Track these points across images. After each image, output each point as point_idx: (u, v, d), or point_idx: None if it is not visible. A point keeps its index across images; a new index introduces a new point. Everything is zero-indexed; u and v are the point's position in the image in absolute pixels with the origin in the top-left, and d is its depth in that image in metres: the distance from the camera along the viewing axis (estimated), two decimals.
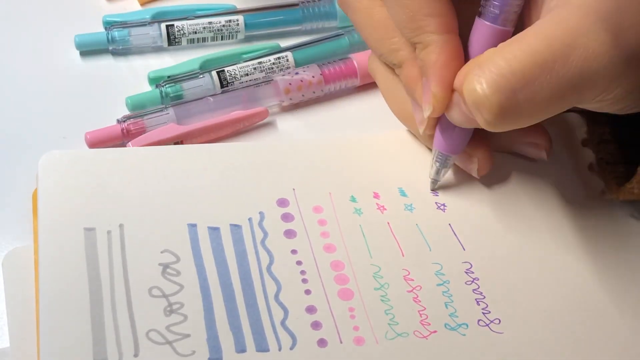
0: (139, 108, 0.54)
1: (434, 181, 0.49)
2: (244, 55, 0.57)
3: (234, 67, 0.55)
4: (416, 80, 0.46)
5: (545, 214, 0.50)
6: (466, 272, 0.47)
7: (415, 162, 0.51)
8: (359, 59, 0.56)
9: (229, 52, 0.57)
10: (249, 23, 0.58)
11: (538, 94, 0.41)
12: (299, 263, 0.46)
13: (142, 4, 0.60)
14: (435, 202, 0.50)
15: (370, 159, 0.51)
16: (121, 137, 0.52)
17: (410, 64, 0.47)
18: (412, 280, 0.46)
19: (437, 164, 0.49)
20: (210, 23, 0.57)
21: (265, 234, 0.47)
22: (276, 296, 0.45)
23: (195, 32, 0.57)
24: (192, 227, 0.47)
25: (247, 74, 0.55)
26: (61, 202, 0.47)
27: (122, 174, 0.48)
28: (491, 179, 0.51)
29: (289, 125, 0.55)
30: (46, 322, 0.43)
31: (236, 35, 0.58)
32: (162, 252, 0.46)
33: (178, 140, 0.52)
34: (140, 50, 0.58)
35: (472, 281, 0.47)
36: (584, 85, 0.41)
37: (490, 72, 0.41)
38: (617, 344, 0.45)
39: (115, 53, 0.57)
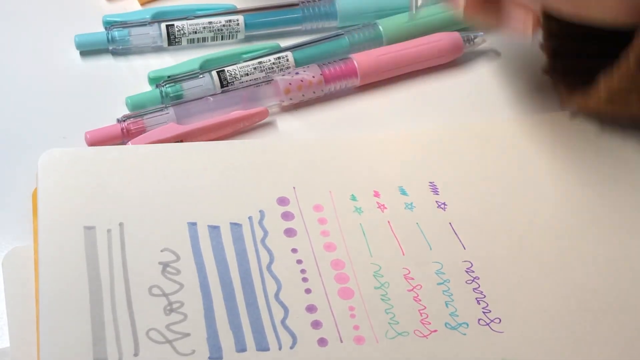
0: (139, 108, 0.54)
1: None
2: (244, 55, 0.57)
3: (234, 67, 0.55)
4: None
5: (546, 213, 0.50)
6: (466, 271, 0.47)
7: (415, 162, 0.51)
8: (359, 59, 0.56)
9: (229, 52, 0.57)
10: (249, 23, 0.58)
11: None
12: (299, 262, 0.46)
13: (142, 4, 0.60)
14: (436, 201, 0.50)
15: (371, 157, 0.51)
16: (121, 137, 0.52)
17: None
18: (413, 279, 0.46)
19: None
20: (210, 23, 0.57)
21: (266, 232, 0.47)
22: (276, 295, 0.45)
23: (196, 32, 0.57)
24: (192, 225, 0.47)
25: (247, 74, 0.55)
26: (61, 201, 0.47)
27: (122, 172, 0.48)
28: (491, 178, 0.51)
29: (289, 125, 0.55)
30: (46, 322, 0.43)
31: (236, 35, 0.58)
32: (162, 251, 0.46)
33: (178, 140, 0.52)
34: (140, 50, 0.58)
35: (473, 280, 0.47)
36: None
37: None
38: (617, 344, 0.45)
39: (115, 53, 0.57)
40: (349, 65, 0.56)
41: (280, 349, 0.44)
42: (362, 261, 0.47)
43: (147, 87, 0.56)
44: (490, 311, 0.46)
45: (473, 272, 0.47)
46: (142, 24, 0.57)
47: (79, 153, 0.50)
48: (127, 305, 0.44)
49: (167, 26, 0.57)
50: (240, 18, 0.58)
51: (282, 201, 0.49)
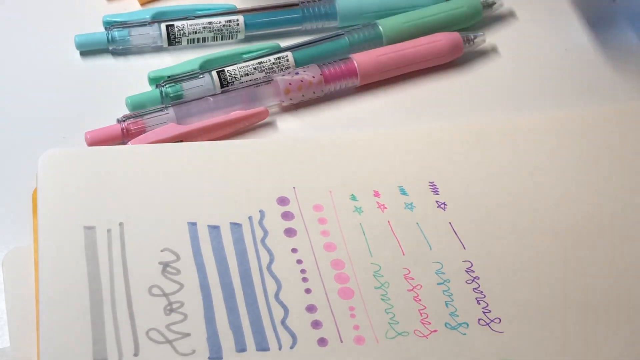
0: (139, 108, 0.54)
1: None
2: (244, 55, 0.57)
3: (234, 67, 0.55)
4: None
5: (546, 213, 0.49)
6: (466, 271, 0.47)
7: (415, 162, 0.51)
8: (359, 59, 0.56)
9: (229, 52, 0.57)
10: (249, 23, 0.58)
11: None
12: (299, 262, 0.46)
13: (142, 4, 0.60)
14: (436, 201, 0.50)
15: (371, 157, 0.51)
16: (121, 137, 0.52)
17: None
18: (413, 279, 0.46)
19: None
20: (210, 23, 0.57)
21: (266, 232, 0.47)
22: (276, 295, 0.45)
23: (195, 32, 0.57)
24: (192, 225, 0.47)
25: (247, 74, 0.55)
26: (61, 201, 0.47)
27: (122, 172, 0.48)
28: (491, 178, 0.51)
29: (289, 125, 0.55)
30: (46, 322, 0.43)
31: (236, 35, 0.58)
32: (162, 251, 0.46)
33: (178, 140, 0.52)
34: (140, 50, 0.57)
35: (473, 280, 0.47)
36: None
37: None
38: (617, 344, 0.45)
39: (115, 53, 0.57)
40: (349, 66, 0.56)
41: (280, 349, 0.44)
42: (362, 261, 0.47)
43: (147, 87, 0.56)
44: (490, 311, 0.46)
45: (473, 272, 0.47)
46: (142, 24, 0.57)
47: (79, 153, 0.50)
48: (127, 305, 0.44)
49: (167, 26, 0.57)
50: (240, 18, 0.58)
51: (282, 201, 0.49)
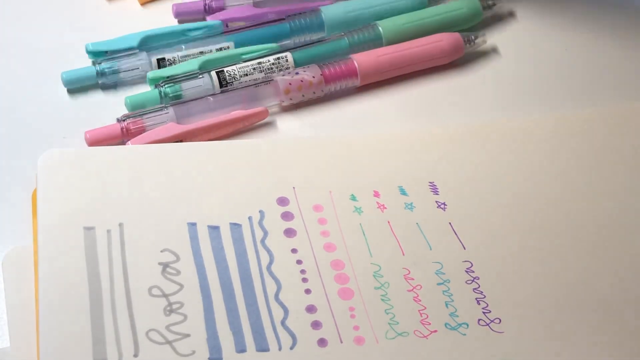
0: (138, 108, 0.54)
1: None
2: (244, 56, 0.57)
3: (234, 67, 0.55)
4: None
5: (546, 213, 0.49)
6: (466, 271, 0.47)
7: (415, 162, 0.51)
8: (359, 59, 0.56)
9: (229, 52, 0.57)
10: (238, 42, 0.57)
11: None
12: (299, 262, 0.46)
13: (142, 4, 0.60)
14: (436, 201, 0.50)
15: (371, 157, 0.51)
16: (121, 137, 0.52)
17: None
18: (413, 279, 0.46)
19: None
20: (201, 53, 0.57)
21: (265, 232, 0.47)
22: (276, 296, 0.45)
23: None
24: (192, 226, 0.47)
25: (246, 74, 0.55)
26: (60, 201, 0.47)
27: (122, 172, 0.48)
28: (491, 178, 0.51)
29: (289, 125, 0.55)
30: (46, 322, 0.43)
31: None
32: (161, 251, 0.46)
33: (178, 140, 0.52)
34: (132, 82, 0.57)
35: (473, 280, 0.47)
36: None
37: None
38: (617, 344, 0.45)
39: (105, 87, 0.56)
40: (349, 66, 0.56)
41: (280, 349, 0.44)
42: (362, 261, 0.47)
43: (147, 88, 0.56)
44: (490, 311, 0.46)
45: (473, 272, 0.47)
46: (131, 54, 0.56)
47: (79, 153, 0.50)
48: (127, 306, 0.44)
49: (157, 60, 0.56)
50: (230, 45, 0.57)
51: (282, 201, 0.49)
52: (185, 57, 0.56)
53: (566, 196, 0.50)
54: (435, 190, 0.50)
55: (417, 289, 0.46)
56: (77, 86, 0.56)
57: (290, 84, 0.55)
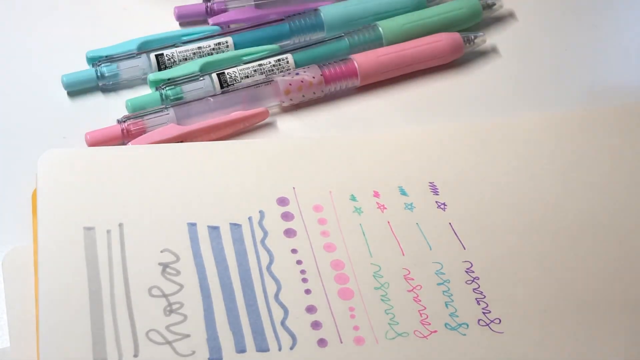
0: (139, 110, 0.54)
1: None
2: (244, 58, 0.57)
3: (234, 69, 0.55)
4: None
5: (546, 213, 0.49)
6: (466, 272, 0.47)
7: (415, 162, 0.51)
8: (359, 59, 0.56)
9: (229, 54, 0.57)
10: (238, 43, 0.57)
11: None
12: (299, 262, 0.46)
13: None
14: (436, 201, 0.50)
15: (371, 157, 0.51)
16: (121, 138, 0.52)
17: None
18: (413, 279, 0.46)
19: None
20: (199, 48, 0.57)
21: (265, 233, 0.47)
22: (276, 296, 0.45)
23: (186, 59, 0.56)
24: (192, 226, 0.47)
25: (247, 76, 0.55)
26: (60, 202, 0.47)
27: (122, 172, 0.48)
28: (491, 178, 0.51)
29: (289, 125, 0.55)
30: (46, 322, 0.43)
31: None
32: (161, 252, 0.46)
33: (178, 141, 0.52)
34: (131, 84, 0.56)
35: (473, 280, 0.47)
36: None
37: None
38: (617, 344, 0.45)
39: (105, 90, 0.56)
40: (349, 66, 0.56)
41: (280, 349, 0.44)
42: (362, 261, 0.47)
43: (147, 91, 0.56)
44: (490, 311, 0.46)
45: (473, 272, 0.47)
46: (130, 56, 0.56)
47: (79, 153, 0.50)
48: (127, 306, 0.44)
49: (156, 56, 0.56)
50: (229, 40, 0.57)
51: (282, 201, 0.49)
52: (182, 52, 0.56)
53: (566, 196, 0.50)
54: (435, 190, 0.50)
55: (417, 289, 0.46)
56: (77, 89, 0.56)
57: (290, 84, 0.55)
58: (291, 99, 0.55)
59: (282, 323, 0.44)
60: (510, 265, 0.47)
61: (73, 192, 0.47)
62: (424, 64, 0.57)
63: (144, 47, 0.57)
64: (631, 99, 0.56)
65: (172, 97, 0.54)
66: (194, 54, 0.56)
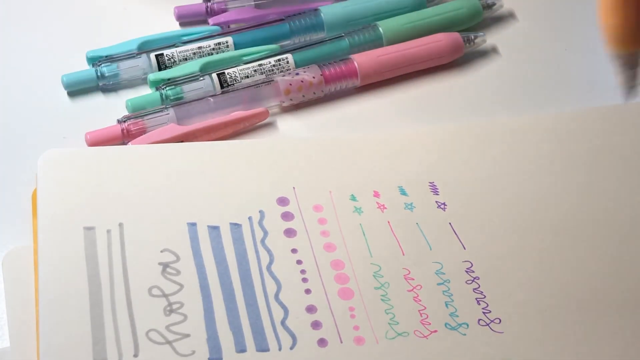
0: (139, 110, 0.54)
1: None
2: (244, 58, 0.57)
3: (234, 69, 0.55)
4: None
5: (546, 212, 0.49)
6: (467, 271, 0.47)
7: (415, 161, 0.51)
8: (359, 59, 0.56)
9: (230, 54, 0.57)
10: (238, 43, 0.58)
11: None
12: (299, 262, 0.46)
13: None
14: (436, 201, 0.50)
15: (371, 157, 0.51)
16: (121, 138, 0.52)
17: None
18: (413, 279, 0.46)
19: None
20: (199, 48, 0.57)
21: (265, 232, 0.47)
22: (276, 296, 0.45)
23: (186, 59, 0.56)
24: (192, 226, 0.47)
25: (247, 76, 0.55)
26: (60, 201, 0.47)
27: (122, 172, 0.48)
28: (491, 178, 0.51)
29: (289, 125, 0.55)
30: (46, 322, 0.43)
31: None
32: (161, 252, 0.46)
33: (178, 141, 0.52)
34: (131, 84, 0.56)
35: (473, 280, 0.47)
36: None
37: None
38: (617, 344, 0.45)
39: (105, 89, 0.56)
40: (349, 66, 0.56)
41: (280, 349, 0.44)
42: (362, 261, 0.47)
43: (148, 91, 0.56)
44: (490, 311, 0.46)
45: (473, 272, 0.47)
46: (130, 56, 0.56)
47: (79, 153, 0.50)
48: (127, 306, 0.44)
49: (156, 56, 0.56)
50: (229, 40, 0.57)
51: (282, 201, 0.49)
52: (182, 52, 0.56)
53: (566, 196, 0.50)
54: (435, 190, 0.50)
55: (417, 289, 0.46)
56: (77, 89, 0.56)
57: (290, 84, 0.55)
58: (291, 99, 0.55)
59: (282, 323, 0.44)
60: (510, 265, 0.47)
61: (73, 192, 0.47)
62: (424, 64, 0.57)
63: (144, 47, 0.57)
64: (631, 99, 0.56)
65: (172, 97, 0.54)
66: (194, 54, 0.57)
